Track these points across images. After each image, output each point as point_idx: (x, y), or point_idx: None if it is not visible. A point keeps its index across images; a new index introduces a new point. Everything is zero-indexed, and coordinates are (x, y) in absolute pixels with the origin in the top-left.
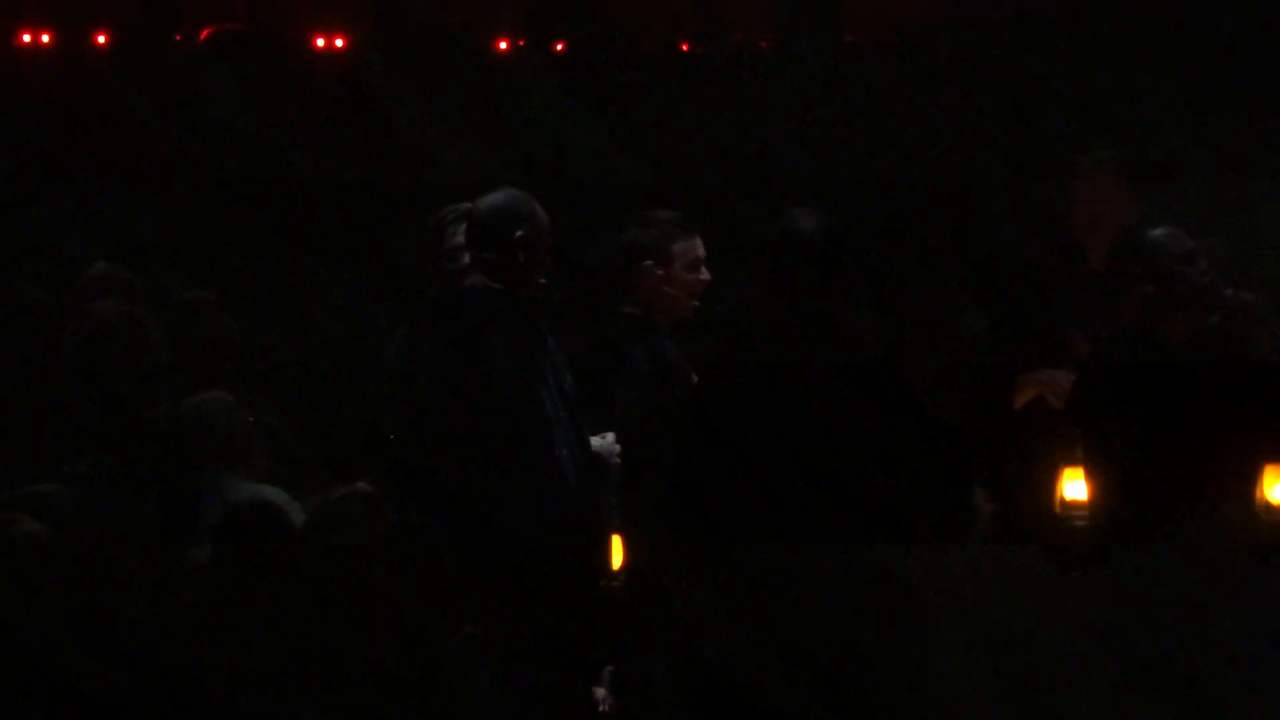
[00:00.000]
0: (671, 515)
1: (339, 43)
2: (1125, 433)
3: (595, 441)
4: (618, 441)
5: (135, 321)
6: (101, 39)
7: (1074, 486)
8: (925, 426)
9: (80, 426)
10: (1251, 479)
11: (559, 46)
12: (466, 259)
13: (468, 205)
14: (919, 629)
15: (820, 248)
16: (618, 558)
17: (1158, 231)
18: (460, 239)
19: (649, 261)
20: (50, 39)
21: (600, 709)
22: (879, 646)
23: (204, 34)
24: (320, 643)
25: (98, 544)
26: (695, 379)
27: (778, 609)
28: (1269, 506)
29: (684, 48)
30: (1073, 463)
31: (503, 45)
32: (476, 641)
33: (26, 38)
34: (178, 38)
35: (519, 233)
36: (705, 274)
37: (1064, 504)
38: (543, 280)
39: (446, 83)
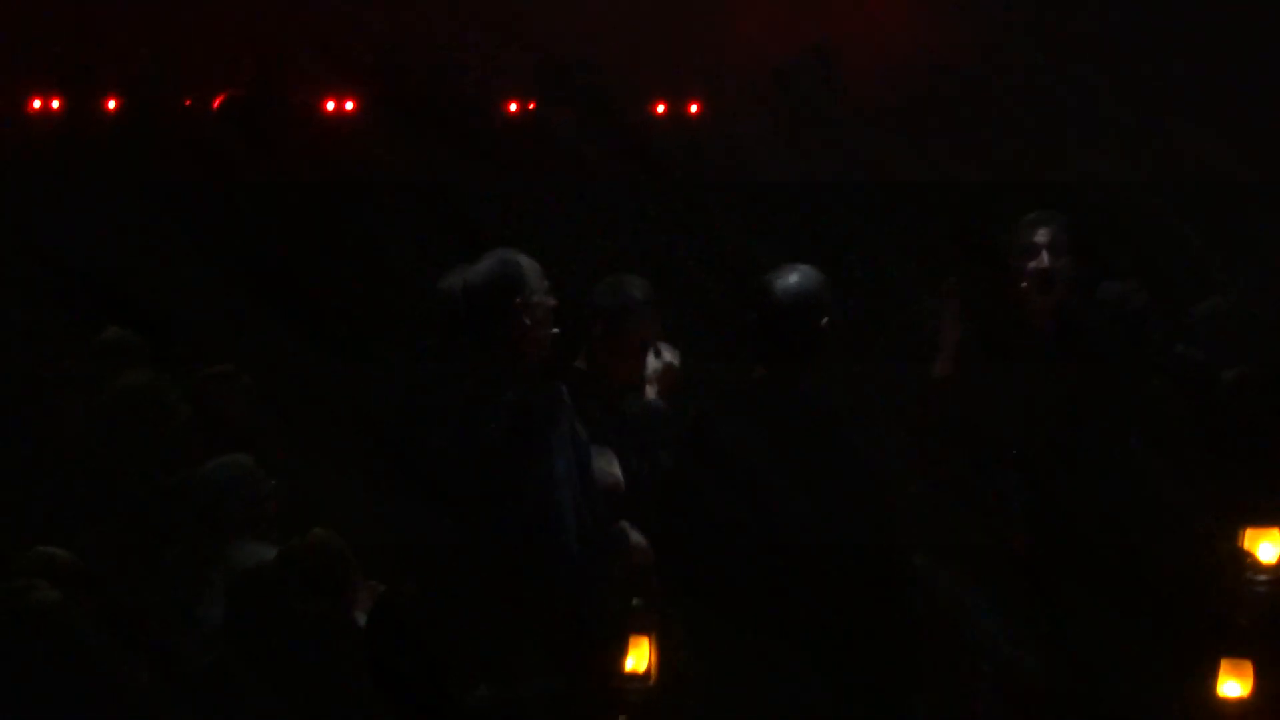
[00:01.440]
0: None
1: (349, 106)
2: None
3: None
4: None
5: (159, 392)
6: (111, 104)
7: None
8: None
9: (97, 491)
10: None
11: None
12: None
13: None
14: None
15: (808, 308)
16: (645, 660)
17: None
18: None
19: (600, 323)
20: (60, 105)
21: None
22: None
23: (217, 100)
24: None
25: (113, 609)
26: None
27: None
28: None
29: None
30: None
31: (512, 107)
32: (490, 703)
33: (37, 104)
34: (187, 103)
35: (516, 299)
36: (656, 361)
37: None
38: (555, 330)
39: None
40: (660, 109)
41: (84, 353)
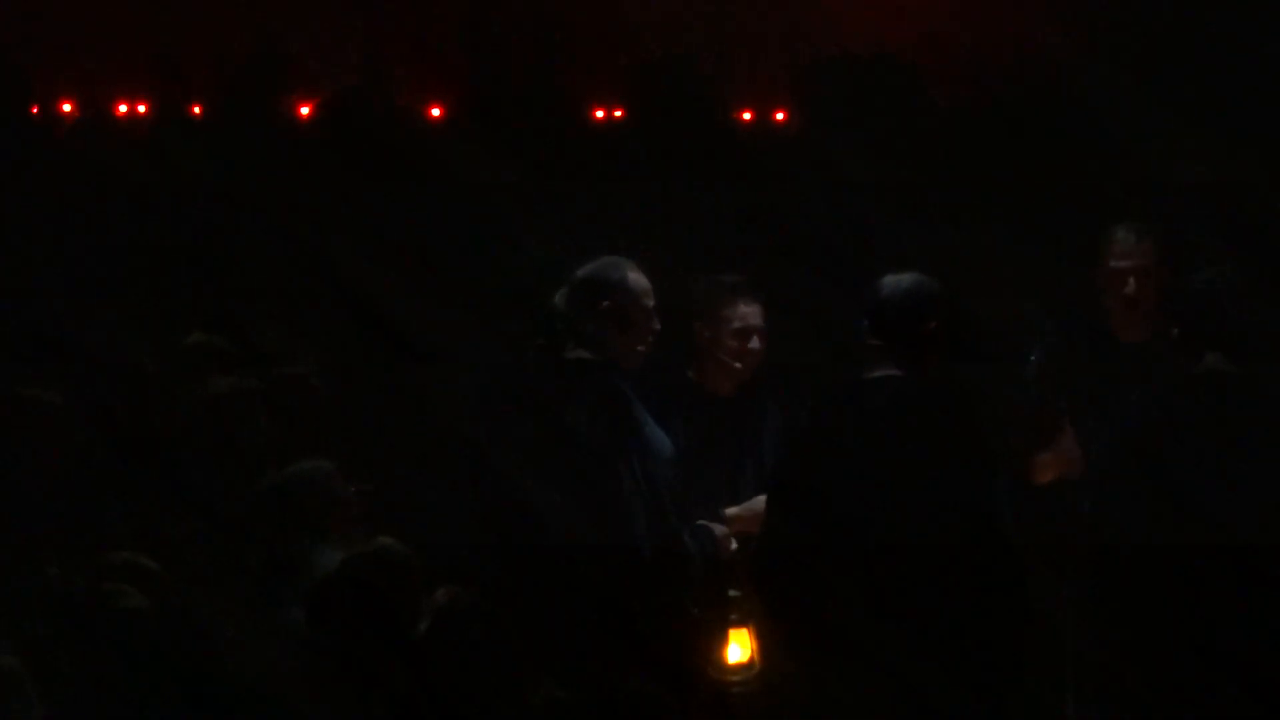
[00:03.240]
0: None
1: (435, 112)
2: None
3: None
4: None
5: (249, 398)
6: (196, 110)
7: None
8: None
9: (182, 494)
10: None
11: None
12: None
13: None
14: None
15: (917, 312)
16: (746, 650)
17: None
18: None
19: (699, 323)
20: (147, 108)
21: None
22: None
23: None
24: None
25: (198, 615)
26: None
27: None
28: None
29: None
30: None
31: (599, 114)
32: (559, 703)
33: (123, 108)
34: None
35: (605, 303)
36: (756, 343)
37: None
38: (641, 348)
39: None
40: (746, 116)
41: (171, 356)
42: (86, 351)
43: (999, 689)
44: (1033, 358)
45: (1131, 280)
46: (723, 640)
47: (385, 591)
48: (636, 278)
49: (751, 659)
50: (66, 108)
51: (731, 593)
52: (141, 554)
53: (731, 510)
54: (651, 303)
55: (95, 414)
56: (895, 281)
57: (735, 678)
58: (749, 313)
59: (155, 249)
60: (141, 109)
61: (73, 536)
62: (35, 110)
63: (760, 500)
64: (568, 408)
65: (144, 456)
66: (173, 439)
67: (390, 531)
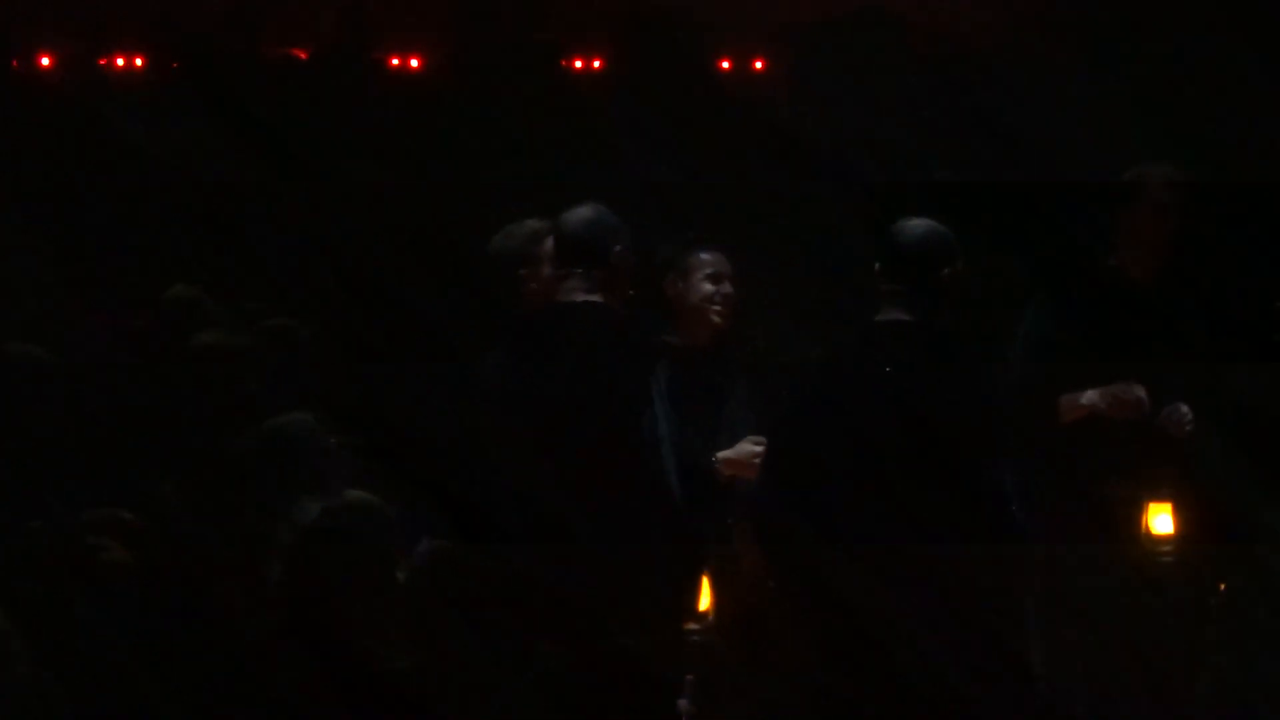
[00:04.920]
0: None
1: (414, 63)
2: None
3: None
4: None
5: (235, 353)
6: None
7: (1161, 521)
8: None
9: (166, 449)
10: None
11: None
12: (548, 272)
13: (535, 222)
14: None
15: (932, 257)
16: (705, 599)
17: None
18: (546, 251)
19: (667, 280)
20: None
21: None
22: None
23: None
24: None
25: (181, 568)
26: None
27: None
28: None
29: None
30: (1159, 498)
31: (578, 64)
32: (554, 659)
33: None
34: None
35: (618, 247)
36: (728, 287)
37: (1150, 538)
38: (631, 291)
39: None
40: (725, 64)
41: (152, 309)
42: (69, 307)
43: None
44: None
45: (1172, 216)
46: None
47: (361, 541)
48: (619, 226)
49: (708, 609)
50: (45, 61)
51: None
52: (122, 509)
53: (723, 454)
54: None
55: (79, 369)
56: (911, 227)
57: (694, 626)
58: (716, 259)
59: (139, 205)
60: (121, 62)
61: (56, 491)
62: (15, 65)
63: (747, 446)
64: (598, 352)
65: (128, 410)
66: (159, 393)
67: (377, 485)
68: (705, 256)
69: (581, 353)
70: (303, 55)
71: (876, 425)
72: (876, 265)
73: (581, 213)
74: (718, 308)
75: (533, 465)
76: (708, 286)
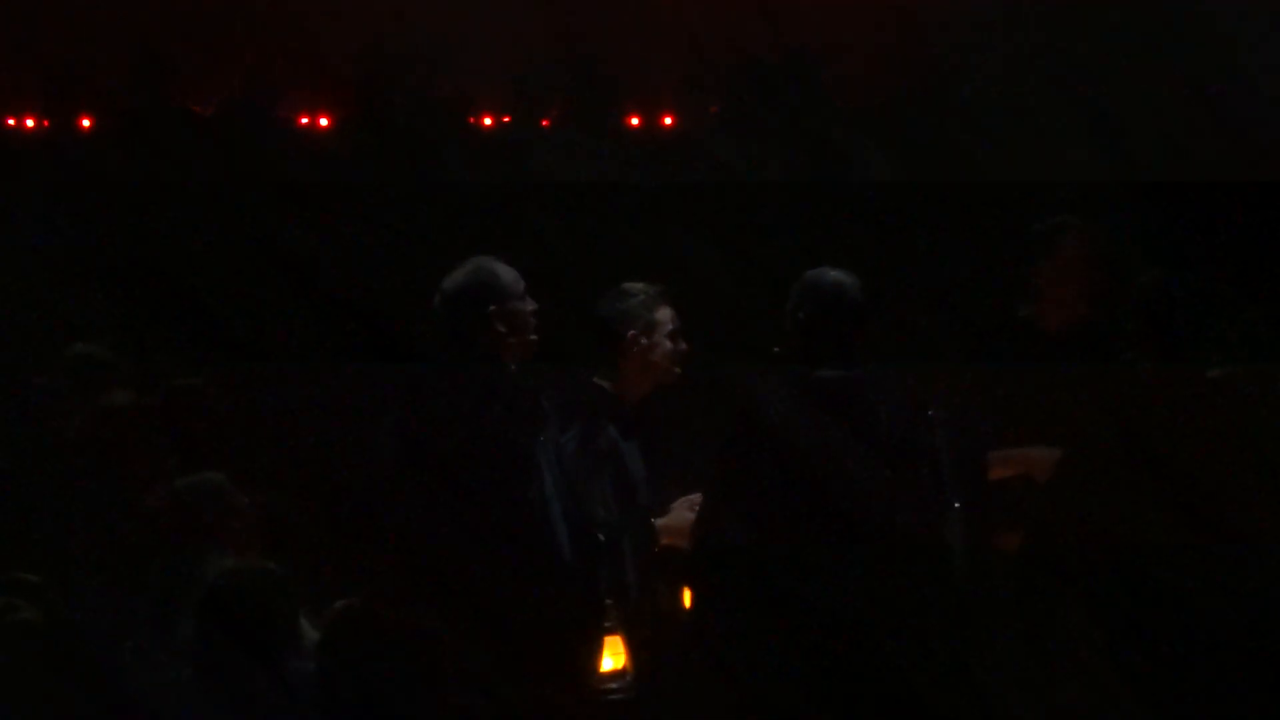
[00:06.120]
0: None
1: (323, 122)
2: None
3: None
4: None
5: (143, 413)
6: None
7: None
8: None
9: (75, 508)
10: None
11: (545, 122)
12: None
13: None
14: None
15: (852, 305)
16: (619, 659)
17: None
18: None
19: (633, 331)
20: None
21: None
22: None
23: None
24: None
25: (90, 628)
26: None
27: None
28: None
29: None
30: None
31: (487, 121)
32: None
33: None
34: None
35: (491, 307)
36: (683, 344)
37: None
38: (533, 337)
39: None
40: (635, 121)
41: (56, 367)
42: None
43: (935, 685)
44: None
45: (1083, 272)
46: (598, 648)
47: (259, 606)
48: (514, 276)
49: (625, 667)
50: None
51: (606, 601)
52: (26, 570)
53: (661, 521)
54: (531, 303)
55: None
56: (829, 277)
57: (610, 684)
58: (673, 316)
59: (46, 259)
60: (30, 123)
61: None
62: None
63: (683, 514)
64: (484, 412)
65: (36, 469)
66: (65, 451)
67: (286, 543)
68: (667, 313)
69: (463, 416)
70: (206, 112)
71: (814, 479)
72: (800, 315)
73: (454, 277)
74: (678, 369)
75: (422, 526)
76: (668, 344)
